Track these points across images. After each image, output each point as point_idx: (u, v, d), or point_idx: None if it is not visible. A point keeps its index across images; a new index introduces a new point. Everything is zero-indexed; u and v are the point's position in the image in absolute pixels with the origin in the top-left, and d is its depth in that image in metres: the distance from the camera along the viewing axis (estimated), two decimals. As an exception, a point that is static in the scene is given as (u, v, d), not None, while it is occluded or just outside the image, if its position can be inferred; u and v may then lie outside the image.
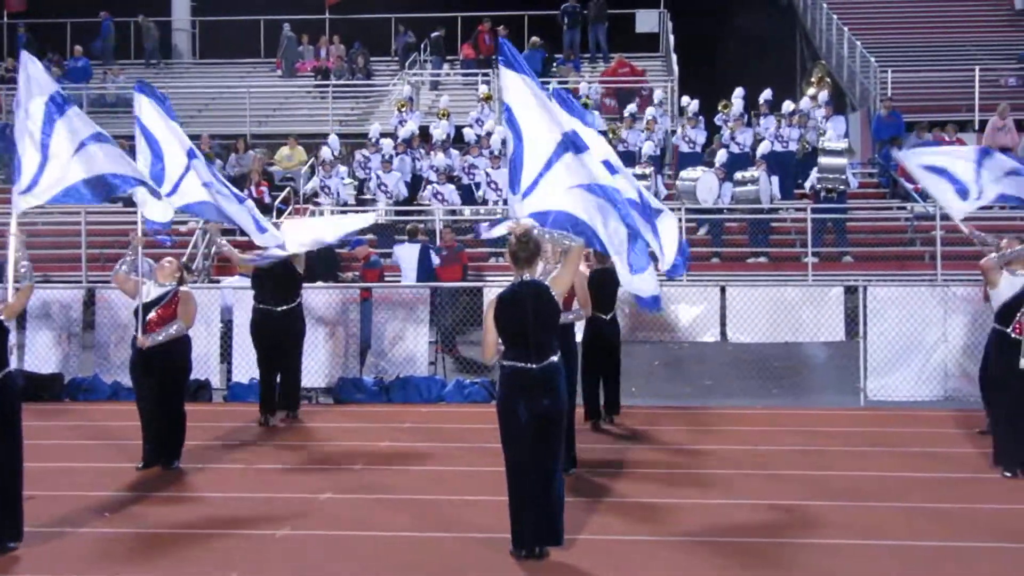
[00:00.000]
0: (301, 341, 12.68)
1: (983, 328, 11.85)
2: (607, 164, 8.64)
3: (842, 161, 19.68)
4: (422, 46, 29.71)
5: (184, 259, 14.75)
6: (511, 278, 7.64)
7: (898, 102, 23.23)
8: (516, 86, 8.15)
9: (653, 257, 8.65)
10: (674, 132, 22.59)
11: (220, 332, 14.29)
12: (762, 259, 19.60)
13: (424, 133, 22.71)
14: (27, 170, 8.79)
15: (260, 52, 31.90)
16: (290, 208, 20.66)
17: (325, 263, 16.12)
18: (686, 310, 14.19)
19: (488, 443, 9.79)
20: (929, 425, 12.08)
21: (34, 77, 8.93)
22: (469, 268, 17.86)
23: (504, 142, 21.30)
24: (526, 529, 7.45)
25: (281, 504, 9.04)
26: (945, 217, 18.44)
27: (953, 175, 10.98)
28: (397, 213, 20.29)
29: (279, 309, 12.26)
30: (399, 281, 16.65)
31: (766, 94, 22.10)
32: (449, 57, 29.98)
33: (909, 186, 20.30)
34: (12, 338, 8.99)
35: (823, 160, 19.52)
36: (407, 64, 28.82)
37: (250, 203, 11.39)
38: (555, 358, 7.49)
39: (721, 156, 20.12)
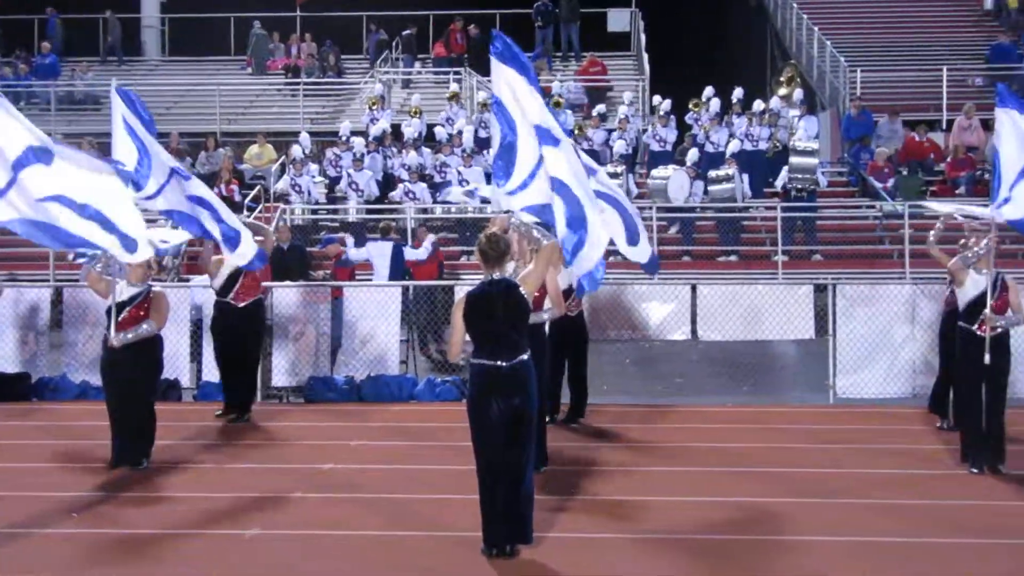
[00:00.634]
0: (260, 340, 12.59)
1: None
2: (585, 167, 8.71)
3: (813, 160, 19.83)
4: (394, 44, 29.66)
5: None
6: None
7: (867, 101, 23.38)
8: (507, 79, 8.14)
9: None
10: (645, 131, 22.67)
11: (190, 331, 14.22)
12: (733, 257, 19.70)
13: (396, 131, 22.69)
14: None
15: (230, 50, 31.72)
16: (260, 206, 20.58)
17: (297, 262, 16.07)
18: (657, 308, 14.23)
19: (459, 442, 9.77)
20: (897, 422, 12.16)
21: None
22: (445, 266, 17.87)
23: (476, 140, 21.35)
24: (497, 528, 7.44)
25: (251, 504, 9.00)
26: (913, 216, 18.66)
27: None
28: (369, 211, 20.26)
29: (240, 305, 12.21)
30: (371, 280, 16.62)
31: (738, 93, 22.21)
32: (421, 55, 29.93)
33: (878, 185, 20.47)
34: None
35: (794, 159, 19.64)
36: (378, 62, 28.76)
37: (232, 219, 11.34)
38: (525, 356, 7.48)
39: (692, 155, 20.22)
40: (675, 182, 19.57)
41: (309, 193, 20.56)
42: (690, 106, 22.37)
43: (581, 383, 12.12)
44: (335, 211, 20.89)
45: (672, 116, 22.06)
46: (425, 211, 20.30)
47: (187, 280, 16.99)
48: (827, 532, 8.15)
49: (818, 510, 8.77)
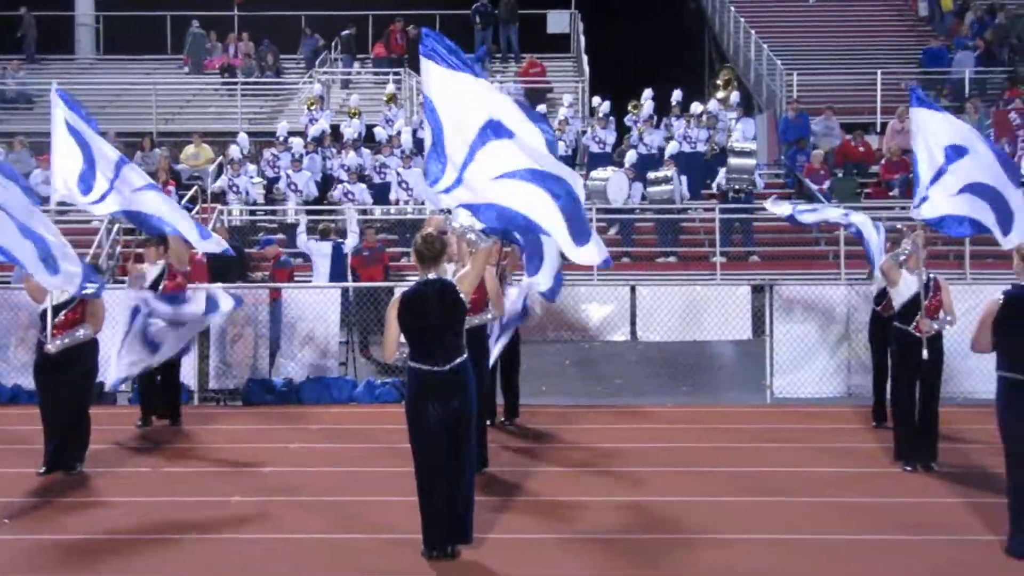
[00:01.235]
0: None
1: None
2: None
3: (751, 162, 20.02)
4: (333, 44, 29.50)
5: (88, 259, 14.44)
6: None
7: (803, 104, 23.65)
8: (437, 77, 8.11)
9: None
10: (584, 132, 22.76)
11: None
12: (672, 259, 19.83)
13: (335, 132, 22.57)
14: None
15: (167, 48, 31.35)
16: (197, 207, 20.36)
17: (234, 263, 15.91)
18: (596, 309, 14.29)
19: (398, 444, 9.73)
20: (833, 421, 12.31)
21: None
22: (390, 268, 17.82)
23: (416, 141, 21.29)
24: (437, 529, 7.43)
25: (189, 508, 8.90)
26: (849, 217, 18.88)
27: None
28: (308, 212, 20.12)
29: None
30: (310, 281, 16.51)
31: (676, 95, 22.38)
32: (360, 56, 29.80)
33: (814, 187, 20.72)
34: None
35: (732, 161, 19.82)
36: (317, 62, 28.60)
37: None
38: (463, 358, 7.47)
39: (631, 156, 20.33)
40: (614, 184, 19.66)
41: (247, 194, 20.37)
42: (629, 108, 22.49)
43: (514, 384, 12.13)
44: (273, 212, 20.74)
45: (611, 118, 22.17)
46: (364, 212, 20.21)
47: (123, 282, 16.74)
48: (765, 530, 8.23)
49: (756, 509, 8.86)
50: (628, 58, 31.62)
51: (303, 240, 16.59)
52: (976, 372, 12.06)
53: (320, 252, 16.61)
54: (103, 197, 10.60)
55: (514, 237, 9.46)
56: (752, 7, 30.54)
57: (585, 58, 28.04)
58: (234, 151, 20.79)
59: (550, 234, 8.35)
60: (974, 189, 9.60)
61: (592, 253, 8.43)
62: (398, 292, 8.33)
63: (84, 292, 9.70)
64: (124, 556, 7.69)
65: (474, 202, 8.03)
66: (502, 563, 7.46)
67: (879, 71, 25.22)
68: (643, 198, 20.09)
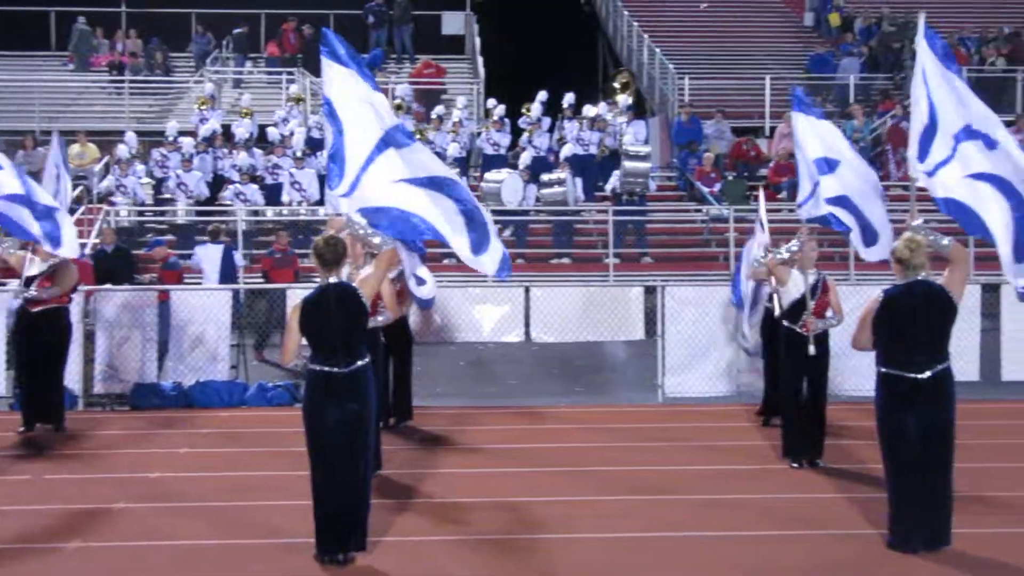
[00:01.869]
0: (63, 347, 12.11)
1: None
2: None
3: (645, 165, 20.28)
4: (224, 43, 29.06)
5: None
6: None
7: (695, 108, 24.03)
8: (338, 79, 8.04)
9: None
10: (479, 134, 22.80)
11: (5, 337, 13.60)
12: (566, 260, 19.97)
13: (226, 132, 22.24)
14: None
15: (51, 45, 30.54)
16: (83, 207, 19.88)
17: (121, 265, 15.59)
18: (491, 310, 14.31)
19: (291, 447, 9.66)
20: (722, 420, 12.51)
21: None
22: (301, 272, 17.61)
23: (309, 141, 21.11)
24: (331, 534, 7.37)
25: (73, 516, 8.68)
26: (738, 219, 19.28)
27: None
28: (198, 213, 19.80)
29: (34, 311, 11.71)
30: (199, 284, 16.25)
31: (568, 98, 22.54)
32: (252, 55, 29.41)
33: (705, 189, 21.08)
34: None
35: (627, 164, 20.04)
36: (207, 61, 28.14)
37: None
38: (363, 362, 7.42)
39: (525, 158, 20.42)
40: (509, 185, 19.74)
41: (135, 194, 19.98)
42: (523, 110, 22.60)
43: (406, 386, 12.09)
44: (162, 213, 20.35)
45: (506, 120, 22.25)
46: (256, 213, 19.97)
47: (3, 284, 16.27)
48: (653, 528, 8.33)
49: (646, 507, 8.96)
50: (523, 61, 31.74)
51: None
52: (859, 370, 12.37)
53: (209, 255, 16.37)
54: None
55: (417, 245, 9.47)
56: (645, 12, 30.92)
57: (480, 60, 28.08)
58: (122, 150, 20.37)
59: (447, 240, 8.36)
60: (841, 201, 9.93)
61: (488, 263, 8.47)
62: (291, 295, 8.25)
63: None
64: (3, 566, 7.46)
65: (372, 206, 7.99)
66: (396, 566, 7.42)
67: (768, 76, 25.76)
68: (537, 200, 20.19)
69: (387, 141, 8.01)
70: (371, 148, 8.03)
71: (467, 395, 14.02)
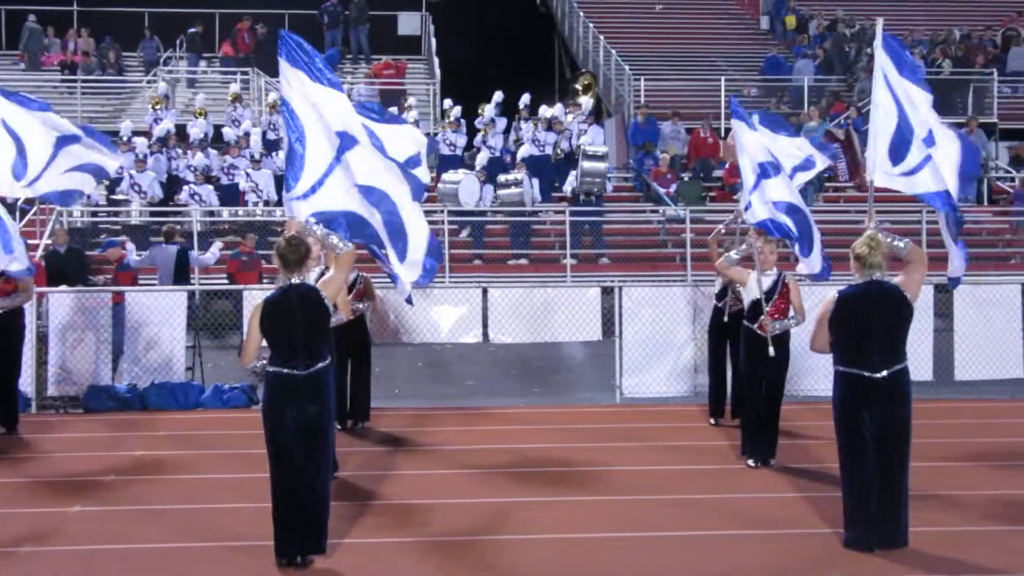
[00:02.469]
0: (18, 350, 11.94)
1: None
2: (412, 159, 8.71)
3: (603, 165, 20.35)
4: (178, 42, 28.81)
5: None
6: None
7: (651, 109, 24.14)
8: (296, 82, 7.98)
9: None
10: (435, 135, 22.76)
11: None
12: (523, 260, 19.98)
13: (180, 132, 22.05)
14: None
15: (1, 43, 30.15)
16: (35, 208, 19.62)
17: (74, 266, 15.42)
18: (448, 311, 14.28)
19: (248, 449, 9.60)
20: (680, 420, 12.57)
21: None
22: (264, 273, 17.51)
23: (265, 142, 20.99)
24: (290, 536, 7.32)
25: (25, 520, 8.56)
26: (694, 220, 19.39)
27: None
28: (152, 214, 19.62)
29: None
30: (154, 284, 16.09)
31: (524, 99, 22.58)
32: (207, 54, 29.18)
33: (661, 190, 21.17)
34: None
35: (585, 164, 20.09)
36: (160, 61, 27.90)
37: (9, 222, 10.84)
38: (323, 364, 7.38)
39: (481, 159, 20.42)
40: (466, 186, 19.73)
41: (88, 195, 19.72)
42: (479, 111, 22.60)
43: (365, 388, 12.05)
44: (116, 213, 20.14)
45: (462, 121, 22.24)
46: (212, 214, 19.82)
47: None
48: (612, 528, 8.34)
49: (604, 507, 8.97)
50: (480, 61, 31.75)
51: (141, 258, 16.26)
52: (815, 370, 12.50)
53: (164, 255, 16.23)
54: None
55: (373, 249, 9.44)
56: (601, 14, 31.04)
57: (436, 60, 28.04)
58: (74, 150, 20.09)
59: (386, 248, 8.36)
60: (779, 207, 10.10)
61: (407, 273, 8.51)
62: (252, 296, 8.19)
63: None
64: (-45, 572, 7.36)
65: (328, 210, 7.95)
66: (355, 568, 7.39)
67: (723, 77, 25.93)
68: (494, 201, 20.19)
69: (345, 146, 7.98)
70: (332, 153, 7.99)
71: (425, 396, 14.00)
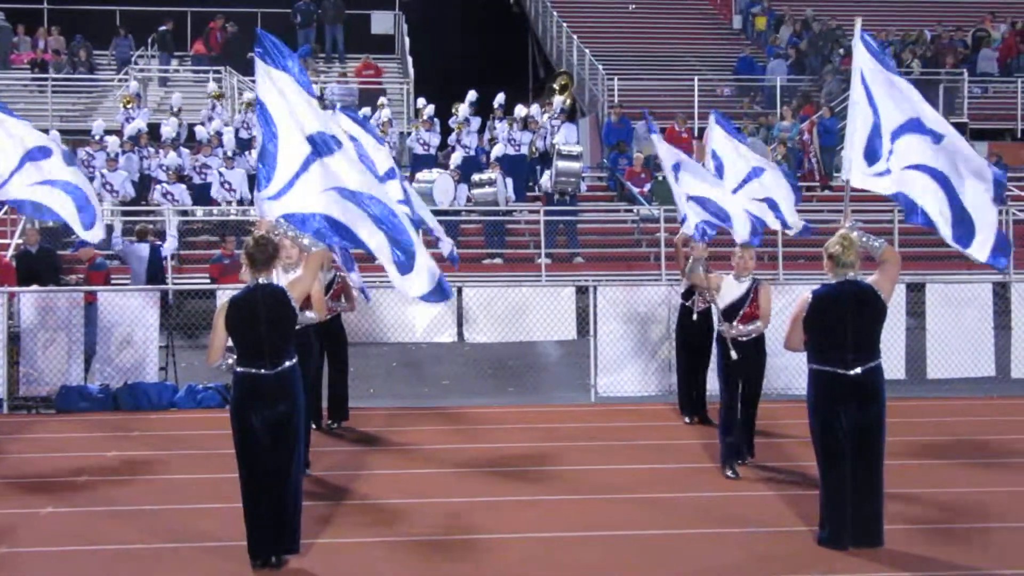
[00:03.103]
0: None
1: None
2: (390, 172, 8.72)
3: (577, 165, 20.37)
4: (149, 40, 28.63)
5: None
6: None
7: (624, 108, 24.17)
8: (270, 81, 7.94)
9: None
10: (409, 134, 22.73)
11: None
12: (497, 260, 19.97)
13: (152, 131, 21.91)
14: None
15: (-31, 41, 29.87)
16: (5, 207, 19.46)
17: (46, 266, 15.29)
18: (423, 311, 14.23)
19: (222, 449, 9.52)
20: (655, 419, 12.60)
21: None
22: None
23: (238, 141, 20.89)
24: (262, 537, 7.28)
25: (-3, 521, 8.51)
26: (668, 219, 19.41)
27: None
28: (124, 213, 19.48)
29: None
30: (127, 284, 15.99)
31: (499, 98, 22.57)
32: (179, 53, 29.02)
33: (635, 189, 21.20)
34: None
35: (559, 164, 20.11)
36: (132, 59, 27.71)
37: None
38: (291, 363, 7.36)
39: (455, 158, 20.40)
40: (440, 186, 19.71)
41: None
42: (453, 110, 22.58)
43: (342, 386, 12.01)
44: (88, 213, 19.96)
45: (436, 120, 22.21)
46: (185, 213, 19.71)
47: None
48: (592, 527, 8.34)
49: (579, 506, 8.97)
50: (454, 60, 31.74)
51: (118, 242, 16.13)
52: (790, 368, 12.56)
53: (136, 254, 16.13)
54: None
55: (343, 253, 9.41)
56: (574, 13, 31.08)
57: (410, 59, 28.00)
58: (45, 149, 19.94)
59: (373, 253, 8.32)
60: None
61: (414, 285, 8.44)
62: (222, 296, 8.14)
63: None
64: (-74, 574, 7.29)
65: (300, 211, 7.90)
66: (329, 568, 7.37)
67: (696, 77, 26.01)
68: (469, 200, 20.17)
69: (318, 149, 7.94)
70: (305, 155, 7.94)
71: (400, 396, 13.98)
